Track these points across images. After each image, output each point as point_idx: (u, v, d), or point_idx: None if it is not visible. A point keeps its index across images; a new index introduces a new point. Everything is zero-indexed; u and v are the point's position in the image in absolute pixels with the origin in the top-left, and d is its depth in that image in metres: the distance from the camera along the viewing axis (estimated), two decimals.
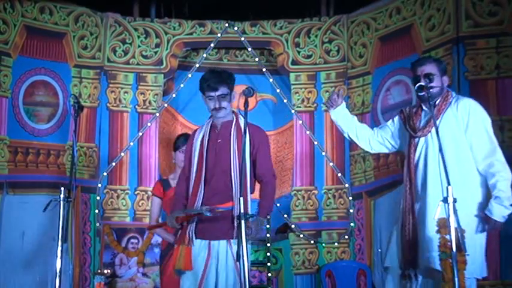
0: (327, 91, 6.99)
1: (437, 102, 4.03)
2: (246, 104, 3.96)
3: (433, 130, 3.96)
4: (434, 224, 3.65)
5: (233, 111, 4.26)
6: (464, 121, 3.96)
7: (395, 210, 4.29)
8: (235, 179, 4.03)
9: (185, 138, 5.21)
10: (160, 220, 5.24)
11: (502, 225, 3.94)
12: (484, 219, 3.89)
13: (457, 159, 3.90)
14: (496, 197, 3.85)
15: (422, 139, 4.05)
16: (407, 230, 3.99)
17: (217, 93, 4.11)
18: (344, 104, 4.40)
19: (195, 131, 4.36)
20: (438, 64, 4.10)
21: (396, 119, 4.32)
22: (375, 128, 4.47)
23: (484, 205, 3.91)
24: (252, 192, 4.18)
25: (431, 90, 3.93)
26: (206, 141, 4.15)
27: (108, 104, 6.88)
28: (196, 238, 4.03)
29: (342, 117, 4.38)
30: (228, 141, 4.11)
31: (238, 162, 4.04)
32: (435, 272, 3.85)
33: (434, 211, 3.71)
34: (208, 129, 4.20)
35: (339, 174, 6.83)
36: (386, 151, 4.49)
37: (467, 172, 3.90)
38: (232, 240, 4.00)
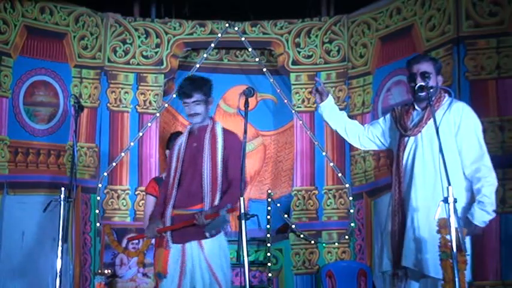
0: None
1: (430, 103, 4.00)
2: (247, 104, 3.96)
3: (423, 130, 3.95)
4: (432, 225, 3.65)
5: (211, 117, 4.31)
6: (456, 124, 3.93)
7: None
8: (206, 182, 4.06)
9: (178, 136, 5.22)
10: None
11: (481, 230, 3.92)
12: (465, 222, 3.87)
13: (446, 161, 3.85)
14: (480, 201, 3.83)
15: (412, 139, 4.02)
16: (396, 230, 3.98)
17: (192, 99, 4.16)
18: (331, 98, 4.34)
19: (177, 138, 4.43)
20: (434, 63, 4.08)
21: (388, 117, 4.28)
22: (366, 125, 4.43)
23: (467, 209, 3.89)
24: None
25: (431, 90, 3.91)
26: (184, 146, 4.23)
27: (108, 104, 6.88)
28: (173, 243, 4.05)
29: (329, 112, 4.33)
30: (201, 145, 4.15)
31: (210, 165, 4.09)
32: (419, 274, 3.85)
33: (426, 213, 3.73)
34: (187, 135, 4.28)
35: (339, 175, 6.83)
36: (376, 148, 4.45)
37: (454, 175, 3.86)
38: (203, 241, 4.01)
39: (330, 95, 4.34)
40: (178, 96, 4.25)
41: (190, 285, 4.01)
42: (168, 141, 5.28)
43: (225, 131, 4.23)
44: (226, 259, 4.08)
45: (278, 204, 6.99)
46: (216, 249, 4.03)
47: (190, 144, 4.22)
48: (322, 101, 4.30)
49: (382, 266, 4.10)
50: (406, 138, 4.03)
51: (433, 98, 3.94)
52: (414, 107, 4.10)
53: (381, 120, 4.36)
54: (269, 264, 6.70)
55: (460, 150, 3.91)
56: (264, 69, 7.13)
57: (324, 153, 6.87)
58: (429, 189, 3.86)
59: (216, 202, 4.03)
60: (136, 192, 6.81)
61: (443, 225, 3.54)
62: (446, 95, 4.06)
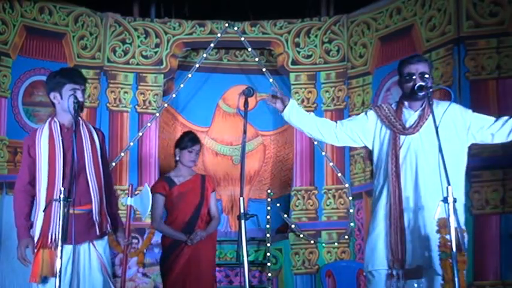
0: (326, 91, 6.99)
1: (424, 103, 3.99)
2: (246, 104, 3.96)
3: (422, 129, 3.92)
4: (434, 224, 3.63)
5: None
6: (466, 123, 3.93)
7: None
8: (92, 181, 4.01)
9: (191, 137, 5.21)
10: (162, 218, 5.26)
11: None
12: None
13: (446, 159, 3.80)
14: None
15: (408, 137, 3.97)
16: (396, 229, 3.94)
17: (83, 87, 4.05)
18: (293, 101, 4.11)
19: (35, 131, 4.13)
20: (429, 64, 4.09)
21: (371, 114, 4.13)
22: (342, 121, 4.24)
23: (467, 205, 3.88)
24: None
25: (431, 90, 3.90)
26: (59, 142, 4.00)
27: (108, 104, 6.87)
28: (63, 244, 3.81)
29: (296, 115, 4.09)
30: (80, 142, 4.01)
31: (92, 163, 4.02)
32: (428, 272, 3.83)
33: (434, 211, 3.69)
34: (59, 130, 4.04)
35: (339, 174, 6.83)
36: (354, 145, 4.27)
37: (454, 172, 3.83)
38: (95, 241, 3.99)
39: (291, 98, 4.13)
40: (67, 81, 4.00)
41: (81, 286, 3.95)
42: (179, 141, 5.25)
43: (95, 128, 4.22)
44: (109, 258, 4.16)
45: (278, 204, 6.99)
46: (106, 249, 4.11)
47: (67, 139, 4.00)
48: (285, 106, 4.06)
49: (374, 264, 4.00)
50: (403, 137, 3.98)
51: (431, 98, 3.93)
52: (404, 105, 4.06)
53: (361, 116, 4.21)
54: (269, 264, 6.70)
55: (475, 130, 3.92)
56: (264, 69, 7.12)
57: (323, 153, 6.87)
58: (436, 187, 3.78)
59: (104, 201, 4.05)
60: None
61: (442, 225, 3.53)
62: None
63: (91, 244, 4.01)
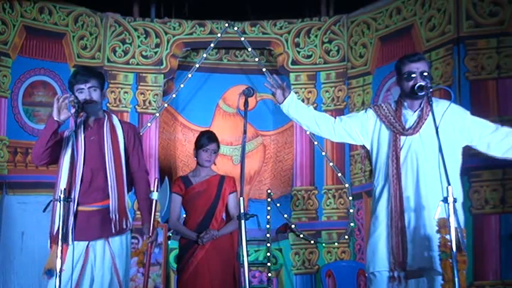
0: (326, 91, 6.99)
1: (423, 103, 3.98)
2: (246, 103, 3.96)
3: (422, 130, 3.91)
4: (435, 224, 3.63)
5: (104, 110, 4.22)
6: (465, 126, 3.92)
7: None
8: (111, 177, 4.01)
9: (207, 136, 5.20)
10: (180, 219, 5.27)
11: None
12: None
13: (446, 159, 3.79)
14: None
15: (409, 138, 3.95)
16: (397, 230, 3.93)
17: (88, 85, 4.03)
18: (293, 94, 4.16)
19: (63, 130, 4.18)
20: (428, 63, 4.09)
21: (370, 113, 4.12)
22: (342, 117, 4.23)
23: (467, 205, 3.87)
24: (129, 190, 4.20)
25: (431, 90, 3.89)
26: (82, 140, 4.04)
27: (108, 104, 6.87)
28: (75, 240, 3.87)
29: (295, 107, 4.13)
30: (101, 139, 4.04)
31: (113, 159, 4.02)
32: (430, 272, 3.83)
33: (434, 211, 3.69)
34: (82, 128, 4.08)
35: (339, 174, 6.83)
36: (351, 141, 4.22)
37: (452, 172, 3.83)
38: (110, 238, 3.99)
39: (292, 90, 4.14)
40: (71, 85, 4.07)
41: (89, 284, 3.94)
42: (196, 140, 5.25)
43: (122, 122, 4.21)
44: (128, 258, 4.10)
45: (278, 204, 6.99)
46: (123, 248, 4.06)
47: (88, 137, 4.05)
48: (285, 97, 4.12)
49: (375, 266, 4.00)
50: (403, 138, 3.97)
51: (431, 98, 3.92)
52: (403, 105, 4.06)
53: (360, 114, 4.20)
54: (269, 264, 6.69)
55: (474, 137, 3.89)
56: (264, 69, 7.12)
57: (323, 153, 6.87)
58: (437, 187, 3.77)
59: (125, 197, 4.05)
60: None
61: (442, 225, 3.53)
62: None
63: (106, 241, 4.00)
